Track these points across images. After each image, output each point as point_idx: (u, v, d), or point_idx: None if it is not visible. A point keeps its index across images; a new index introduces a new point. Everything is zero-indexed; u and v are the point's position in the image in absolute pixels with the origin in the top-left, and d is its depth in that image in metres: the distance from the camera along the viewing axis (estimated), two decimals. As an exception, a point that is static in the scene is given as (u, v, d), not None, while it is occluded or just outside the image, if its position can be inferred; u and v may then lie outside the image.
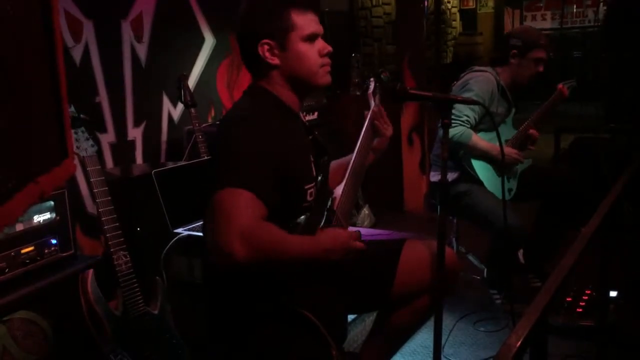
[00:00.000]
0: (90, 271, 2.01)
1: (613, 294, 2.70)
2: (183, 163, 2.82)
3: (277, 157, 1.58)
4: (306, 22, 1.66)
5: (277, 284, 1.63)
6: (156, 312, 2.12)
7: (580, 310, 2.73)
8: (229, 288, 1.67)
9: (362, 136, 1.87)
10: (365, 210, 4.37)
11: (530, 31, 3.02)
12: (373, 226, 4.35)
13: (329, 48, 1.72)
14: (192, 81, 3.82)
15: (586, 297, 2.82)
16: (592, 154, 4.11)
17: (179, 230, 2.38)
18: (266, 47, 1.64)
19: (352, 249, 1.58)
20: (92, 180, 2.01)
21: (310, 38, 1.67)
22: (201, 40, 3.92)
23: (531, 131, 2.99)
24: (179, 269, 2.33)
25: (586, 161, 4.11)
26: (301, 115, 1.87)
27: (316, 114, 4.34)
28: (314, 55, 1.68)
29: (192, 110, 3.19)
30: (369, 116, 1.93)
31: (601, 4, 8.97)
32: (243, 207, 1.46)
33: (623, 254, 2.79)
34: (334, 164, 1.95)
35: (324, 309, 1.66)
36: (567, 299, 2.80)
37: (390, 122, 1.89)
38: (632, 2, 4.15)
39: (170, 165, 2.99)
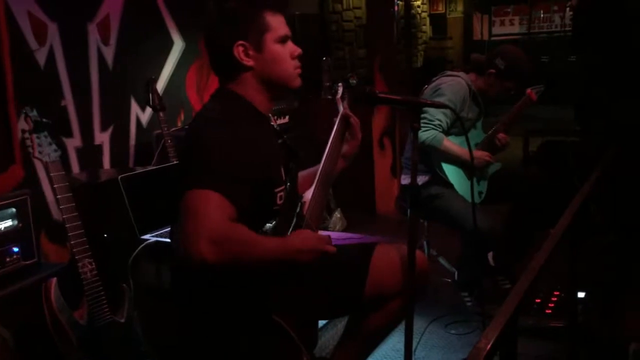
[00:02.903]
0: (54, 279, 1.96)
1: (581, 294, 2.74)
2: (151, 168, 2.78)
3: (247, 160, 1.57)
4: (279, 23, 1.67)
5: (247, 289, 1.60)
6: (123, 320, 2.07)
7: (550, 311, 2.77)
8: (199, 294, 1.65)
9: (331, 141, 1.86)
10: (337, 214, 4.36)
11: (520, 61, 2.96)
12: (345, 230, 4.34)
13: (299, 50, 1.73)
14: (161, 85, 3.77)
15: (555, 298, 2.86)
16: (560, 157, 4.17)
17: (147, 236, 2.34)
18: (241, 48, 1.63)
19: (321, 252, 1.58)
20: (55, 186, 1.96)
21: (283, 40, 1.68)
22: (170, 44, 3.87)
23: (500, 135, 3.01)
24: (147, 276, 2.28)
25: (555, 164, 4.17)
26: (271, 118, 1.86)
27: (287, 117, 4.32)
28: (287, 57, 1.69)
29: (161, 114, 3.15)
30: (337, 121, 1.92)
31: (567, 9, 9.15)
32: (213, 208, 1.45)
33: (590, 255, 2.83)
34: (304, 173, 1.93)
35: (295, 315, 1.64)
36: (537, 300, 2.83)
37: (359, 128, 1.88)
38: (598, 7, 4.22)
39: (139, 170, 2.93)
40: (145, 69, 3.64)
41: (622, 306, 2.92)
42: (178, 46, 3.91)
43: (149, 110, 3.54)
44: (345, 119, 1.87)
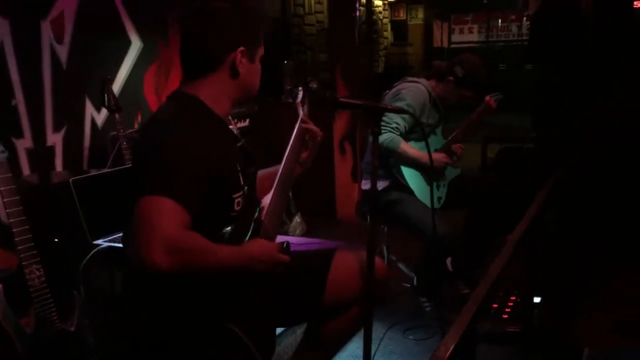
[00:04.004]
0: (0, 286, 1.87)
1: (537, 299, 2.77)
2: (105, 171, 2.70)
3: (204, 165, 1.53)
4: (263, 41, 1.72)
5: (202, 297, 1.56)
6: (73, 329, 2.00)
7: (506, 316, 2.79)
8: (153, 301, 1.60)
9: (290, 146, 1.84)
10: (297, 219, 4.33)
11: (478, 69, 3.01)
12: (305, 234, 4.31)
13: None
14: (117, 85, 3.68)
15: (511, 304, 2.89)
16: (517, 163, 4.25)
17: (100, 241, 2.26)
18: (240, 54, 1.64)
19: (276, 261, 1.57)
20: (1, 188, 1.88)
21: (261, 58, 1.73)
22: (127, 44, 3.78)
23: (455, 146, 3.04)
24: (99, 282, 2.21)
25: (512, 170, 4.24)
26: (231, 122, 1.83)
27: (247, 121, 4.28)
28: (259, 73, 1.74)
29: (117, 115, 3.06)
30: (297, 126, 1.90)
31: (524, 18, 9.36)
32: (166, 215, 1.41)
33: (546, 260, 2.88)
34: (261, 173, 1.91)
35: (252, 322, 1.61)
36: (494, 306, 2.86)
37: (318, 136, 1.86)
38: (554, 18, 4.32)
39: (93, 172, 2.85)
40: (101, 68, 3.54)
41: (577, 311, 2.97)
42: (136, 46, 3.83)
43: (104, 111, 3.44)
44: (304, 124, 1.85)
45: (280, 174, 1.82)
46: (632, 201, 3.22)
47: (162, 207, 1.42)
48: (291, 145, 1.83)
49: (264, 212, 1.76)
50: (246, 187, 1.72)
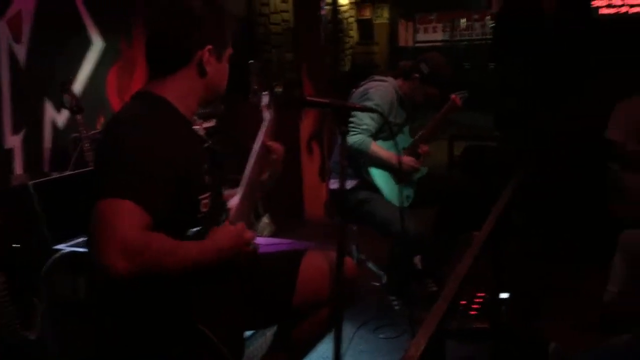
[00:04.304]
0: (-43, 295, 1.80)
1: (504, 295, 2.81)
2: (66, 173, 2.63)
3: (168, 165, 1.50)
4: (231, 42, 1.72)
5: (170, 299, 1.53)
6: (34, 337, 1.94)
7: (474, 312, 2.82)
8: (119, 305, 1.56)
9: (256, 149, 1.82)
10: (265, 219, 4.29)
11: (442, 67, 3.02)
12: (273, 235, 4.28)
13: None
14: (79, 86, 3.60)
15: (479, 300, 2.92)
16: (482, 161, 4.30)
17: (62, 246, 2.20)
18: (207, 53, 1.62)
19: (242, 244, 1.58)
20: (-43, 193, 1.81)
21: (228, 59, 1.73)
22: (88, 43, 3.69)
23: (421, 147, 3.06)
24: (62, 288, 2.15)
25: (477, 168, 4.29)
26: (197, 122, 1.81)
27: (214, 121, 4.24)
28: (227, 74, 1.74)
29: (78, 116, 3.00)
30: (263, 129, 1.88)
31: (487, 17, 9.49)
32: (125, 217, 1.38)
33: (512, 256, 2.92)
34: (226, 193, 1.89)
35: (222, 324, 1.59)
36: (462, 303, 2.89)
37: (280, 151, 1.84)
38: (517, 17, 4.38)
39: (55, 175, 2.78)
40: (62, 69, 3.46)
41: (542, 307, 3.02)
42: (97, 46, 3.75)
43: (65, 112, 3.36)
44: (269, 130, 1.84)
45: (247, 176, 1.80)
46: (590, 202, 3.30)
47: (121, 209, 1.38)
48: (257, 148, 1.81)
49: (231, 213, 1.74)
50: (213, 189, 1.69)
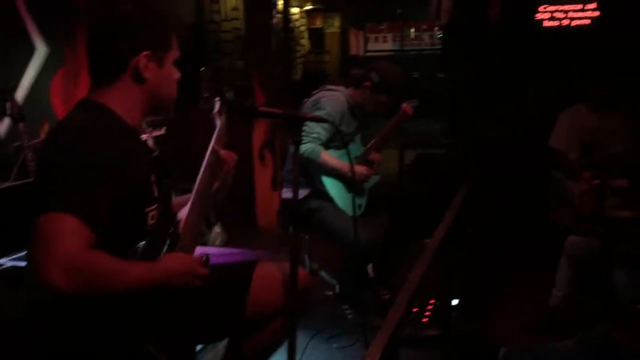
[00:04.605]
0: None
1: (455, 302, 2.85)
2: (6, 185, 2.52)
3: (110, 178, 1.44)
4: (176, 46, 1.67)
5: (115, 316, 1.48)
6: (-28, 357, 1.84)
7: (426, 320, 2.85)
8: (62, 324, 1.49)
9: (208, 157, 1.79)
10: (217, 229, 4.24)
11: (393, 75, 3.02)
12: (225, 244, 4.23)
13: (180, 75, 1.71)
14: (21, 93, 3.47)
15: (430, 307, 2.96)
16: (432, 169, 4.37)
17: (2, 260, 2.11)
18: (145, 59, 1.57)
19: (194, 274, 1.52)
20: None
21: (175, 62, 1.68)
22: (31, 49, 3.57)
23: (373, 156, 3.08)
24: (1, 304, 2.05)
25: (427, 176, 4.35)
26: (146, 130, 1.77)
27: (164, 129, 4.16)
28: (175, 79, 1.69)
29: (21, 125, 2.89)
30: (214, 136, 1.86)
31: (436, 28, 9.68)
32: (68, 234, 1.33)
33: (462, 263, 2.97)
34: (175, 200, 1.84)
35: (172, 340, 1.55)
36: (414, 310, 2.91)
37: (231, 158, 1.82)
38: (464, 28, 4.49)
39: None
40: (4, 75, 3.33)
41: (491, 312, 3.08)
42: (41, 52, 3.63)
43: (7, 120, 3.24)
44: (220, 139, 1.82)
45: (198, 185, 1.77)
46: (536, 207, 3.39)
47: (63, 225, 1.33)
48: (207, 157, 1.79)
49: (181, 225, 1.70)
50: (161, 200, 1.65)
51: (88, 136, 1.47)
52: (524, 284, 3.37)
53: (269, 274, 1.79)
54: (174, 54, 1.65)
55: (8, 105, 2.91)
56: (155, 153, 1.76)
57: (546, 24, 4.75)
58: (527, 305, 3.15)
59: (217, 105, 1.94)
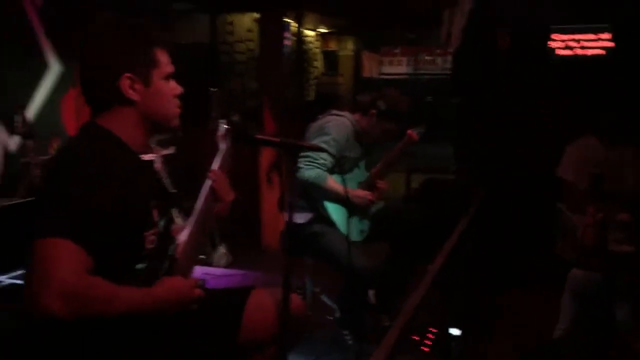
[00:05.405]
0: None
1: (456, 332, 2.82)
2: (9, 203, 2.56)
3: (113, 202, 1.45)
4: (166, 60, 1.63)
5: (106, 341, 1.48)
6: (-32, 373, 1.85)
7: (427, 349, 2.82)
8: (51, 344, 1.50)
9: (205, 192, 1.80)
10: (222, 249, 4.25)
11: (399, 104, 3.03)
12: (229, 265, 4.24)
13: (181, 89, 1.68)
14: (33, 110, 3.53)
15: (431, 335, 2.92)
16: (439, 194, 4.35)
17: (2, 277, 2.13)
18: (128, 81, 1.55)
19: (190, 300, 1.51)
20: None
21: (168, 77, 1.63)
22: (45, 67, 3.64)
23: (379, 184, 3.09)
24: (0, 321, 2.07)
25: (435, 201, 4.33)
26: (155, 149, 1.77)
27: (173, 148, 4.20)
28: (170, 95, 1.64)
29: (29, 142, 2.94)
30: (217, 159, 1.86)
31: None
32: (65, 259, 1.33)
33: (463, 291, 2.94)
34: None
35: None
36: (414, 338, 2.88)
37: (227, 186, 1.81)
38: (473, 56, 4.50)
39: (3, 201, 2.70)
40: (18, 92, 3.40)
41: (491, 341, 3.05)
42: (54, 69, 3.70)
43: (18, 136, 3.29)
44: (225, 161, 1.82)
45: (198, 210, 1.77)
46: (538, 237, 3.36)
47: (60, 250, 1.33)
48: (205, 188, 1.79)
49: (180, 248, 1.71)
50: (161, 223, 1.66)
51: (87, 162, 1.47)
52: (527, 314, 3.34)
53: (263, 301, 1.78)
54: (163, 69, 1.60)
55: (18, 122, 2.95)
56: (158, 176, 1.77)
57: (559, 52, 4.76)
58: (530, 336, 3.11)
59: (222, 129, 1.94)
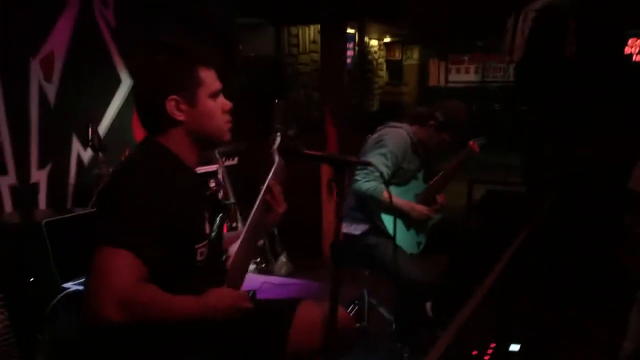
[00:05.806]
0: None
1: (515, 347, 2.74)
2: (76, 213, 2.70)
3: (167, 215, 1.52)
4: (211, 78, 1.66)
5: (160, 348, 1.55)
6: (36, 373, 1.98)
7: (486, 365, 2.76)
8: (109, 349, 1.58)
9: (262, 192, 1.84)
10: (283, 258, 4.31)
11: (458, 114, 3.02)
12: (290, 274, 4.29)
13: (230, 105, 1.71)
14: (105, 123, 3.72)
15: (491, 351, 2.86)
16: (502, 207, 4.25)
17: (69, 284, 2.26)
18: (174, 103, 1.60)
19: (239, 309, 1.54)
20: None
21: (215, 95, 1.67)
22: (117, 81, 3.83)
23: (439, 198, 3.06)
24: (67, 326, 2.19)
25: (497, 214, 4.23)
26: (219, 161, 1.83)
27: (236, 159, 4.30)
28: (219, 111, 1.67)
29: (100, 154, 3.09)
30: (271, 172, 1.90)
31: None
32: (122, 268, 1.41)
33: (524, 306, 2.86)
34: (227, 236, 1.89)
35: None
36: (473, 353, 2.83)
37: (280, 195, 1.83)
38: (538, 65, 4.38)
39: (78, 211, 2.85)
40: (90, 106, 3.59)
41: (549, 356, 2.94)
42: (126, 84, 3.87)
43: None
44: (278, 173, 1.86)
45: (251, 220, 1.82)
46: (603, 252, 3.23)
47: (118, 259, 1.41)
48: (264, 191, 1.83)
49: (230, 260, 1.76)
50: (212, 236, 1.72)
51: (144, 175, 1.56)
52: (591, 331, 3.20)
53: (311, 313, 1.80)
54: (209, 88, 1.63)
55: (90, 135, 3.12)
56: (211, 189, 1.83)
57: (636, 58, 4.56)
58: (594, 355, 2.98)
59: (278, 141, 1.98)
